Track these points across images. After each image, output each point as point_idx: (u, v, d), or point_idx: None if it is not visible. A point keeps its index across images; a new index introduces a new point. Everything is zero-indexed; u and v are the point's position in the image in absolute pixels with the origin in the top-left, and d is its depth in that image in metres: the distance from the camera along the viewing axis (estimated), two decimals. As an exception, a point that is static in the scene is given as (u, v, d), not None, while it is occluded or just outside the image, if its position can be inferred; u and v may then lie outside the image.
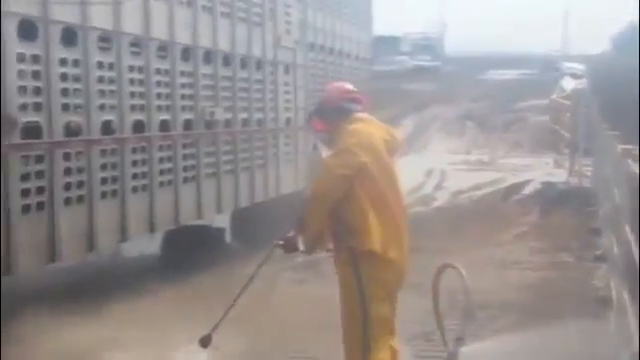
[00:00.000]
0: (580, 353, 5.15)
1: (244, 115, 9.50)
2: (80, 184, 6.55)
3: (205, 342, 4.37)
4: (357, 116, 4.19)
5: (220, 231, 10.54)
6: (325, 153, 4.26)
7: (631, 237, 4.62)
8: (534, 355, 5.26)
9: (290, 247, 4.15)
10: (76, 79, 6.49)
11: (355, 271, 3.91)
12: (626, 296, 4.76)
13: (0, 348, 5.20)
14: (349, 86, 4.42)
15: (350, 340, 3.97)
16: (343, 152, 3.96)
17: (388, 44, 30.54)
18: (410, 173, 14.53)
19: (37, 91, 6.07)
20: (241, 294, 4.32)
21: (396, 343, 4.06)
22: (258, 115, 9.88)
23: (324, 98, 4.38)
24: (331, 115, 4.22)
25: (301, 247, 4.11)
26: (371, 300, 3.93)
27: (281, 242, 4.17)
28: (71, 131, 6.43)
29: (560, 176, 14.20)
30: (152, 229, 7.70)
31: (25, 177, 5.95)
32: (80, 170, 6.55)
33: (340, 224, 3.96)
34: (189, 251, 8.97)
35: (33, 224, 6.03)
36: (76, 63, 6.50)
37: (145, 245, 9.26)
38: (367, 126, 4.10)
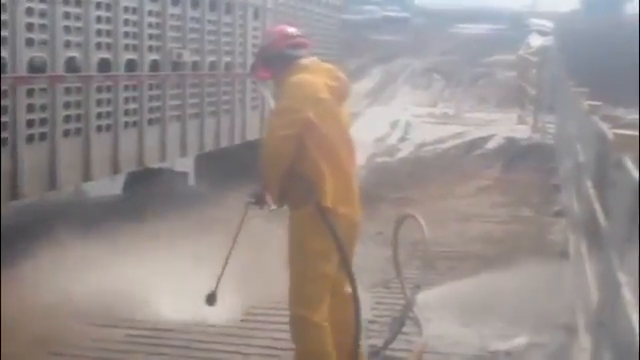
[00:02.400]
0: (533, 299, 5.28)
1: (212, 58, 9.39)
2: (43, 121, 6.46)
3: (211, 300, 4.33)
4: (301, 63, 4.03)
5: (183, 175, 10.51)
6: (272, 103, 4.21)
7: (592, 193, 4.71)
8: (487, 300, 5.38)
9: (262, 202, 4.10)
10: (42, 14, 6.35)
11: (329, 224, 3.81)
12: (584, 250, 4.87)
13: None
14: (291, 29, 4.23)
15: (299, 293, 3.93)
16: (285, 111, 3.87)
17: (358, -8, 30.26)
18: (375, 124, 14.63)
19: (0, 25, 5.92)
20: (230, 253, 4.28)
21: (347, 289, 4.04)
22: (226, 59, 9.77)
23: (266, 44, 4.21)
24: (274, 62, 4.07)
25: (270, 203, 4.07)
26: (315, 255, 3.88)
27: (252, 200, 4.13)
28: (35, 67, 6.30)
29: (523, 132, 14.35)
30: (116, 170, 7.64)
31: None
32: (43, 107, 6.45)
33: (302, 181, 3.86)
34: (151, 193, 8.94)
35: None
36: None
37: (107, 187, 9.19)
38: (310, 75, 3.95)
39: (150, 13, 7.94)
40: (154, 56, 8.08)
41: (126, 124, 7.63)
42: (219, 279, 4.30)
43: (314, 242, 3.83)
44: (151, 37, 7.99)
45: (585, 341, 4.26)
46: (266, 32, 4.47)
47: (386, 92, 20.57)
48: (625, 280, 2.98)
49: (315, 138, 3.85)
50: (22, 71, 6.14)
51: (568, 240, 6.43)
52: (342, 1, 15.74)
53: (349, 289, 4.04)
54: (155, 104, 8.15)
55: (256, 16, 10.55)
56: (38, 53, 6.34)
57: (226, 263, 4.28)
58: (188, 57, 8.68)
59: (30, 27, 6.22)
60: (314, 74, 3.96)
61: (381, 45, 25.50)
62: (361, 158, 11.79)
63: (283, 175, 3.87)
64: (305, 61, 4.05)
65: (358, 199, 4.05)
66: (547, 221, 8.26)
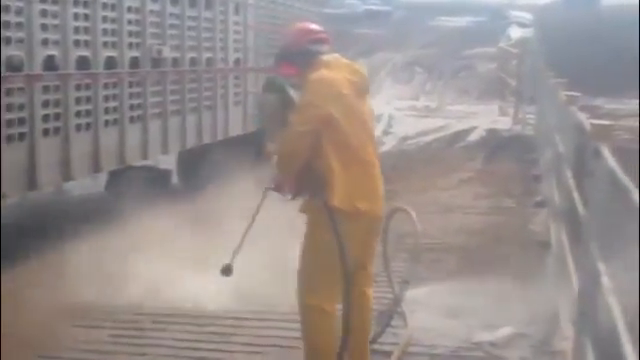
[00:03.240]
0: (517, 294, 5.29)
1: (193, 54, 9.33)
2: (22, 121, 6.39)
3: (227, 271, 4.35)
4: (323, 59, 3.99)
5: (166, 172, 10.45)
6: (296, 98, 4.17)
7: (572, 183, 4.72)
8: (472, 296, 5.39)
9: (281, 188, 4.13)
10: (18, 12, 6.28)
11: (332, 223, 3.78)
12: (565, 240, 4.88)
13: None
14: (313, 26, 4.25)
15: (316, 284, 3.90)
16: (305, 106, 3.85)
17: (339, -14, 30.18)
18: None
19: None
20: (247, 231, 4.34)
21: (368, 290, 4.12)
22: (207, 55, 9.72)
23: (288, 41, 4.20)
24: (298, 58, 4.06)
25: (287, 192, 4.11)
26: (326, 247, 3.84)
27: (272, 186, 4.16)
28: (12, 66, 6.23)
29: (505, 124, 14.40)
30: (97, 169, 7.58)
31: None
32: (22, 107, 6.38)
33: (315, 178, 3.85)
34: (133, 192, 8.86)
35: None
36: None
37: (89, 186, 9.13)
38: (331, 71, 3.90)
39: (129, 9, 7.89)
40: (134, 53, 8.02)
41: (106, 122, 7.58)
42: (235, 252, 4.33)
43: (325, 234, 3.81)
44: (131, 34, 7.93)
45: (567, 330, 4.27)
46: (288, 29, 4.46)
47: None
48: (605, 269, 2.98)
49: (332, 135, 3.83)
50: (-1, 70, 6.08)
51: (549, 230, 6.45)
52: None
53: (369, 290, 4.12)
54: (136, 101, 8.10)
55: (237, 11, 10.51)
56: (15, 52, 6.28)
57: (243, 239, 4.33)
58: (168, 53, 8.62)
59: (7, 25, 6.15)
60: (335, 70, 3.93)
61: (363, 39, 25.47)
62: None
63: (298, 169, 3.90)
64: (326, 57, 4.02)
65: (382, 194, 4.05)
66: (529, 212, 8.28)
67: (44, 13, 6.58)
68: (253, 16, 11.04)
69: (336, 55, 4.09)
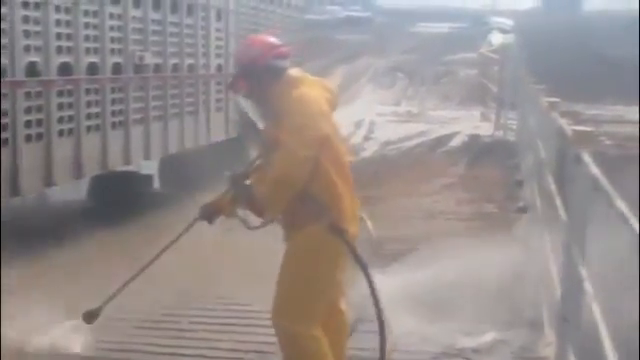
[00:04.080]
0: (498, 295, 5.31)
1: (175, 60, 9.34)
2: (4, 127, 6.37)
3: (90, 318, 4.08)
4: (292, 75, 3.77)
5: (148, 178, 10.44)
6: (254, 118, 3.98)
7: (553, 188, 4.76)
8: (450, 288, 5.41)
9: (213, 218, 3.98)
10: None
11: (349, 247, 3.68)
12: (547, 246, 4.92)
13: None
14: (273, 39, 3.92)
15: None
16: (301, 128, 3.55)
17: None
18: (340, 123, 14.57)
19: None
20: (146, 268, 4.13)
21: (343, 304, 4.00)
22: (189, 61, 9.72)
23: (252, 56, 3.80)
24: (259, 75, 3.76)
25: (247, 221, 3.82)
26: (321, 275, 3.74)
27: (201, 216, 3.99)
28: (-6, 72, 6.23)
29: (486, 129, 14.46)
30: (79, 174, 7.56)
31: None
32: (4, 113, 6.36)
33: (312, 201, 3.64)
34: (115, 198, 8.86)
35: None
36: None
37: (71, 191, 9.10)
38: (310, 88, 3.72)
39: (111, 16, 7.88)
40: (116, 59, 8.01)
41: (88, 128, 7.57)
42: (112, 297, 4.12)
43: (322, 262, 3.69)
44: (113, 40, 7.93)
45: (550, 336, 4.31)
46: (246, 44, 4.05)
47: (350, 92, 20.59)
48: (587, 274, 3.02)
49: (330, 156, 3.67)
50: (-19, 76, 6.06)
51: (531, 236, 6.50)
52: (305, 2, 15.75)
53: (343, 304, 3.99)
54: (118, 107, 8.09)
55: (219, 18, 10.52)
56: (-3, 58, 6.27)
57: (130, 279, 4.15)
58: (150, 59, 8.62)
59: (-12, 32, 6.14)
60: (309, 87, 3.75)
61: (344, 45, 25.51)
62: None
63: (291, 199, 3.63)
64: (294, 73, 3.81)
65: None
66: (511, 217, 8.33)
67: (26, 19, 6.58)
68: (234, 23, 11.05)
69: (299, 70, 3.88)
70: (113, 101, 7.99)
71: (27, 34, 6.59)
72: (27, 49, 6.60)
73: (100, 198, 9.31)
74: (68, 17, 7.15)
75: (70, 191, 8.92)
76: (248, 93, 3.91)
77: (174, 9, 9.26)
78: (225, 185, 3.94)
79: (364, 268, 3.72)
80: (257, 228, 3.76)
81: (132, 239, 7.59)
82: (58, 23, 7.01)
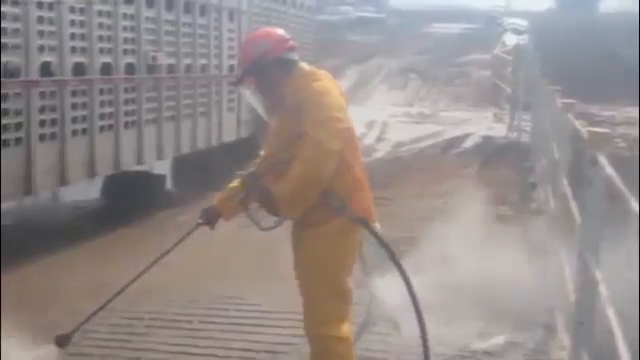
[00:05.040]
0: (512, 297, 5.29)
1: (188, 61, 9.36)
2: (18, 126, 6.41)
3: (62, 342, 3.95)
4: (306, 69, 3.71)
5: (161, 178, 10.46)
6: (262, 113, 3.83)
7: (568, 190, 4.75)
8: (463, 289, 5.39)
9: (213, 222, 3.90)
10: (15, 18, 6.30)
11: (379, 240, 3.64)
12: (561, 249, 4.91)
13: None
14: (283, 32, 3.84)
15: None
16: (328, 121, 3.47)
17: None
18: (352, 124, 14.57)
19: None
20: (140, 276, 4.09)
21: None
22: (202, 61, 9.75)
23: (264, 49, 3.69)
24: (269, 69, 3.67)
25: (258, 222, 3.68)
26: (342, 270, 3.67)
27: (202, 220, 3.89)
28: (8, 72, 6.25)
29: (500, 130, 14.43)
30: (92, 174, 7.59)
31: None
32: (18, 112, 6.40)
33: (330, 198, 3.55)
34: (128, 197, 8.91)
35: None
36: (14, 2, 6.30)
37: (84, 191, 9.13)
38: (323, 80, 3.64)
39: (125, 16, 7.90)
40: (129, 59, 8.04)
41: (102, 128, 7.60)
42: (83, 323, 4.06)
43: (341, 257, 3.64)
44: (126, 40, 7.95)
45: (564, 339, 4.30)
46: (253, 38, 3.92)
47: (362, 92, 20.60)
48: (602, 278, 3.01)
49: (352, 149, 3.63)
50: (-5, 76, 6.10)
51: (545, 238, 6.48)
52: (317, 2, 15.73)
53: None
54: (131, 107, 8.11)
55: (231, 18, 10.53)
56: (12, 58, 6.29)
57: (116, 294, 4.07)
58: (163, 60, 8.65)
59: (4, 32, 6.17)
60: (322, 79, 3.67)
61: (356, 45, 25.54)
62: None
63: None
64: (305, 66, 3.74)
65: None
66: (525, 219, 8.31)
67: (40, 20, 6.60)
68: (247, 23, 11.06)
69: (308, 64, 3.80)
70: (126, 101, 8.02)
71: (41, 34, 6.62)
72: (41, 49, 6.63)
73: (113, 197, 9.36)
74: (82, 17, 7.18)
75: (82, 191, 8.94)
76: (257, 89, 3.76)
77: (187, 9, 9.28)
78: (224, 186, 3.86)
79: (394, 258, 3.65)
80: (271, 229, 3.63)
81: (145, 238, 7.64)
82: (72, 23, 7.04)
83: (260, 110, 3.83)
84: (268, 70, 3.67)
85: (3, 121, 6.22)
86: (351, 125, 3.61)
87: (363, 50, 25.05)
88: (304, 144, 3.44)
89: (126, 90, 8.00)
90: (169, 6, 8.83)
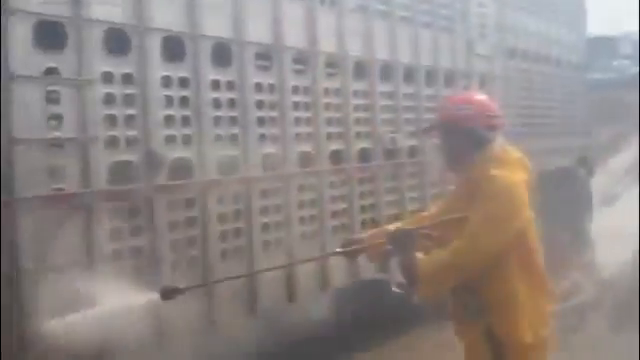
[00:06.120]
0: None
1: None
2: (237, 233, 6.50)
3: (168, 294, 4.22)
4: (494, 150, 3.98)
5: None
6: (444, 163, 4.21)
7: None
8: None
9: (355, 255, 4.39)
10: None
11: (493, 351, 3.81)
12: None
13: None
14: (494, 106, 4.16)
15: None
16: (497, 220, 3.73)
17: (605, 46, 29.43)
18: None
19: (185, 121, 6.06)
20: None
21: None
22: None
23: (464, 114, 4.05)
24: (460, 135, 4.02)
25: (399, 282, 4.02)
26: None
27: (343, 248, 4.33)
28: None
29: None
30: (324, 286, 7.47)
31: (173, 225, 5.94)
32: (238, 214, 6.50)
33: (472, 297, 3.86)
34: (365, 313, 8.72)
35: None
36: (231, 85, 6.49)
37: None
38: (510, 169, 3.89)
39: (356, 93, 7.92)
40: (363, 144, 8.01)
41: (335, 228, 7.54)
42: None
43: None
44: (358, 122, 7.94)
45: None
46: (458, 99, 4.34)
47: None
48: None
49: (519, 251, 3.82)
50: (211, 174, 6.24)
51: None
52: (586, 58, 15.21)
53: None
54: (368, 201, 8.02)
55: (482, 85, 10.29)
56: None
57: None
58: (403, 141, 8.54)
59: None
60: (510, 167, 3.92)
61: (637, 107, 24.37)
62: (625, 251, 11.05)
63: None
64: (497, 148, 4.01)
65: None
66: None
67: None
68: (502, 89, 10.79)
69: (503, 144, 4.05)
70: (361, 195, 7.94)
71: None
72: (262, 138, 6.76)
73: (346, 315, 9.18)
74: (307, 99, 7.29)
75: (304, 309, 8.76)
76: (442, 144, 4.17)
77: (429, 80, 9.16)
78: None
79: None
80: (401, 293, 4.08)
81: None
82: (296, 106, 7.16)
83: (443, 161, 4.20)
84: (457, 136, 4.02)
85: (222, 228, 6.34)
86: (527, 227, 3.84)
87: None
88: (464, 233, 3.72)
89: (360, 181, 7.94)
90: (408, 77, 8.76)
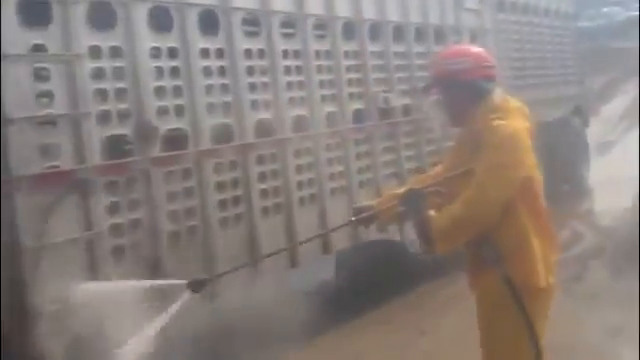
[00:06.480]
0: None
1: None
2: (236, 200, 6.48)
3: (197, 286, 4.16)
4: (495, 101, 4.00)
5: (403, 244, 10.21)
6: (446, 121, 4.26)
7: None
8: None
9: (369, 222, 4.35)
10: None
11: (518, 305, 3.84)
12: None
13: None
14: (485, 55, 4.20)
15: None
16: (503, 167, 3.78)
17: (595, -8, 29.26)
18: (637, 153, 13.66)
19: (177, 92, 6.03)
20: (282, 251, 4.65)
21: None
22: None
23: (461, 67, 4.06)
24: (458, 90, 4.06)
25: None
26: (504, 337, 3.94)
27: (356, 217, 4.27)
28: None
29: None
30: (327, 249, 7.46)
31: (171, 196, 5.93)
32: (235, 183, 6.48)
33: (488, 247, 3.89)
34: (369, 272, 8.71)
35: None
36: (220, 53, 6.45)
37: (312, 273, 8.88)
38: (512, 118, 3.93)
39: (346, 55, 7.88)
40: (356, 105, 7.96)
41: (333, 190, 7.52)
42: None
43: (507, 318, 3.88)
44: (350, 83, 7.90)
45: None
46: (452, 52, 4.33)
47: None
48: None
49: (527, 198, 3.88)
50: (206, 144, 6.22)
51: None
52: (576, 7, 15.09)
53: None
54: (364, 162, 7.99)
55: (474, 39, 10.22)
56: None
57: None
58: (396, 101, 8.49)
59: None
60: (512, 116, 3.96)
61: (629, 54, 24.26)
62: (624, 199, 11.07)
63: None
64: (497, 99, 4.04)
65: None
66: None
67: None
68: (493, 43, 10.72)
69: (502, 94, 4.09)
70: (357, 155, 7.91)
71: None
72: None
73: (351, 276, 9.17)
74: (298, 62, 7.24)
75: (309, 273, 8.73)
76: (442, 101, 4.19)
77: (419, 37, 9.10)
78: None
79: (534, 338, 3.85)
80: (419, 255, 4.33)
81: (397, 320, 7.73)
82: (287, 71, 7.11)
83: (444, 117, 4.25)
84: (456, 90, 4.06)
85: (220, 197, 6.32)
86: (531, 172, 3.88)
87: (635, 59, 23.71)
88: (472, 184, 3.78)
89: (356, 142, 7.91)
90: (398, 35, 8.70)
